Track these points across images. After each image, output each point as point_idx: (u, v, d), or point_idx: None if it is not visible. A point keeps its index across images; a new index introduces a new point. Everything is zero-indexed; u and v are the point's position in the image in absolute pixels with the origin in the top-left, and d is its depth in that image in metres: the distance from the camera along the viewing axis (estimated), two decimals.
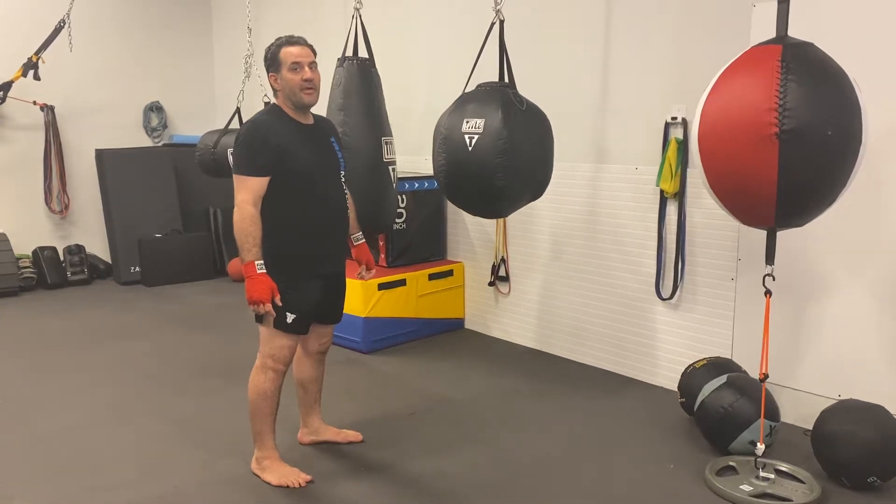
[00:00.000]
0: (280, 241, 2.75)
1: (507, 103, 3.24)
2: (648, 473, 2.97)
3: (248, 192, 2.69)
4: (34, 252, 6.22)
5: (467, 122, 3.24)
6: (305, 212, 2.79)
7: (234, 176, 2.72)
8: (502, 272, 4.68)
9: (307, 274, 2.83)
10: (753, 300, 3.39)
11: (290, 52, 2.78)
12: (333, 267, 2.95)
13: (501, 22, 3.46)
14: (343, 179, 2.94)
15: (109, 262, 6.58)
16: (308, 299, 2.83)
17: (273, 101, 2.91)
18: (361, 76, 3.83)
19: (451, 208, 4.98)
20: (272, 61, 2.81)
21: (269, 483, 2.86)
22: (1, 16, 6.12)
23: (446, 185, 3.43)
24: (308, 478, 2.88)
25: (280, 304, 2.72)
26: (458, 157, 3.27)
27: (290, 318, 2.78)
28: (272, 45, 2.83)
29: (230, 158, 4.64)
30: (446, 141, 3.31)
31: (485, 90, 3.36)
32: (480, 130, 3.19)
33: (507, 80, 3.50)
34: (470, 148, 3.20)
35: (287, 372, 2.90)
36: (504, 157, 3.16)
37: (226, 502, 2.78)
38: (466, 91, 3.43)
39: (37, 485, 2.90)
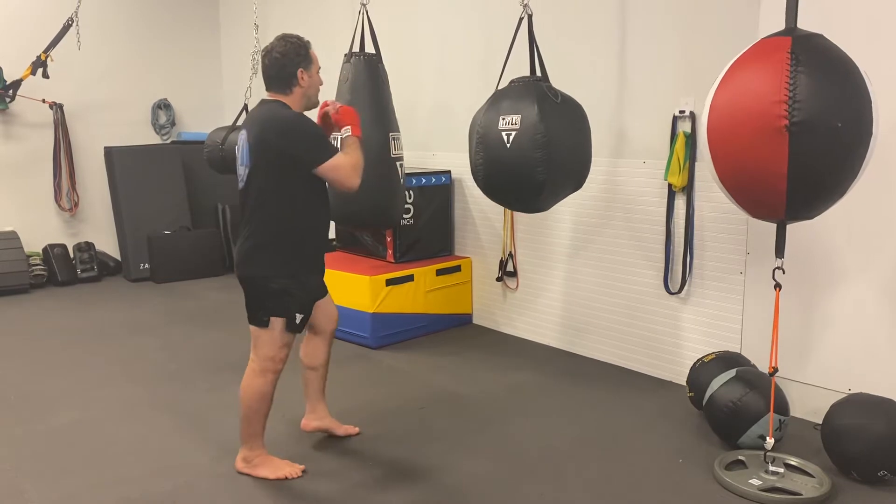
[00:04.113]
0: (302, 242, 2.77)
1: (542, 97, 3.25)
2: (657, 468, 2.97)
3: (339, 166, 2.67)
4: (44, 249, 6.26)
5: (503, 119, 3.25)
6: (320, 208, 2.83)
7: (324, 166, 2.65)
8: (510, 267, 4.67)
9: (315, 270, 2.87)
10: (762, 294, 3.38)
11: (316, 56, 2.81)
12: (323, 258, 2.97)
13: (530, 16, 3.46)
14: None
15: (119, 259, 6.62)
16: (313, 297, 2.87)
17: (271, 95, 2.79)
18: (368, 72, 3.83)
19: (459, 204, 4.98)
20: (305, 57, 2.76)
21: (265, 478, 2.86)
22: (10, 15, 6.15)
23: (486, 185, 3.43)
24: (302, 467, 2.91)
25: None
26: (496, 155, 3.27)
27: (298, 318, 2.80)
28: (300, 40, 2.77)
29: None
30: (483, 140, 3.31)
31: (518, 86, 3.37)
32: (517, 126, 3.19)
33: (538, 73, 3.50)
34: (508, 145, 3.21)
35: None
36: (543, 150, 3.17)
37: (236, 497, 2.79)
38: (499, 88, 3.43)
39: (48, 479, 2.92)
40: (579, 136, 3.39)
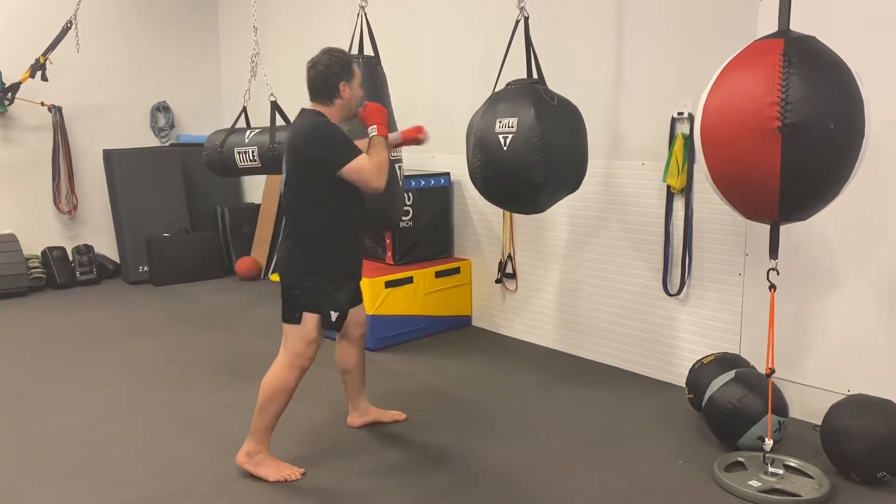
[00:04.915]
0: (332, 243, 2.88)
1: (539, 100, 3.26)
2: (657, 469, 2.97)
3: (361, 168, 2.76)
4: (43, 252, 6.26)
5: (500, 121, 3.26)
6: (352, 213, 2.93)
7: (346, 168, 2.75)
8: (509, 269, 4.68)
9: (348, 273, 3.00)
10: (761, 295, 3.37)
11: (358, 70, 2.95)
12: (361, 261, 3.11)
13: (526, 19, 3.47)
14: None
15: (118, 261, 6.62)
16: (347, 297, 2.98)
17: (312, 105, 2.91)
18: (367, 73, 3.83)
19: (458, 205, 4.99)
20: (348, 71, 2.89)
21: (265, 478, 2.88)
22: (8, 17, 6.15)
23: (484, 187, 3.44)
24: (301, 471, 2.94)
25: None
26: (494, 158, 3.29)
27: (333, 316, 2.91)
28: (344, 55, 2.91)
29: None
30: (481, 142, 3.33)
31: (514, 88, 3.38)
32: (514, 129, 3.21)
33: (535, 76, 3.51)
34: (505, 147, 3.23)
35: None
36: (540, 153, 3.19)
37: (236, 499, 2.79)
38: (496, 91, 3.43)
39: (48, 482, 2.92)
40: (576, 138, 3.40)
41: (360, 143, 2.91)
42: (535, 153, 3.18)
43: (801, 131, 2.40)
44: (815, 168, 2.47)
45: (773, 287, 2.72)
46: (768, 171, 2.46)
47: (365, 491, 2.83)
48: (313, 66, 2.88)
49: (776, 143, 2.42)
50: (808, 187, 2.51)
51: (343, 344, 3.23)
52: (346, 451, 3.16)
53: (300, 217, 2.86)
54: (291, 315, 2.87)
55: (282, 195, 2.96)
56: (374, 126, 2.90)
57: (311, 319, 2.86)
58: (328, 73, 2.85)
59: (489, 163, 3.32)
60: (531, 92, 3.30)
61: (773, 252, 2.72)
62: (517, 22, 3.49)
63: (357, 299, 3.14)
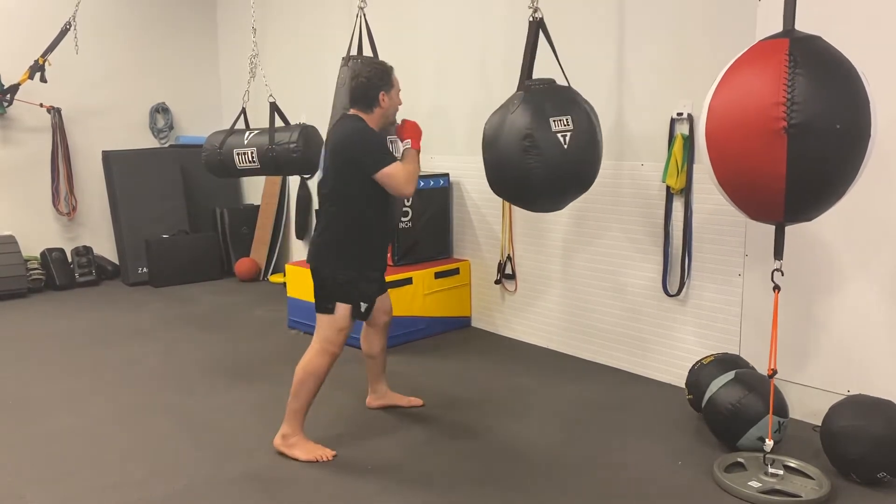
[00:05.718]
0: (366, 238, 3.09)
1: (578, 97, 3.30)
2: (656, 470, 2.97)
3: (394, 174, 2.95)
4: (42, 254, 6.25)
5: (555, 121, 3.20)
6: (386, 211, 3.13)
7: (381, 172, 2.94)
8: (509, 270, 4.68)
9: (377, 266, 3.22)
10: (761, 296, 3.38)
11: (397, 79, 3.13)
12: (386, 258, 3.39)
13: (540, 19, 3.45)
14: None
15: (117, 263, 6.62)
16: (376, 288, 3.21)
17: (353, 111, 3.08)
18: None
19: (457, 206, 4.99)
20: (388, 82, 3.07)
21: (297, 459, 3.03)
22: (7, 18, 6.15)
23: (540, 190, 3.29)
24: (333, 452, 3.08)
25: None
26: (555, 159, 3.20)
27: (363, 307, 3.13)
28: (384, 66, 3.10)
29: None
30: (536, 143, 3.17)
31: (547, 87, 3.32)
32: (571, 127, 3.20)
33: (535, 76, 3.48)
34: (566, 146, 3.20)
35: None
36: (592, 149, 3.26)
37: (234, 501, 2.79)
38: (519, 91, 3.34)
39: (47, 484, 2.92)
40: (601, 134, 3.41)
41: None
42: (591, 149, 3.24)
43: (806, 131, 2.40)
44: (821, 169, 2.46)
45: (777, 288, 2.71)
46: (774, 171, 2.45)
47: (360, 493, 2.83)
48: (356, 77, 3.07)
49: (782, 144, 2.42)
50: (814, 188, 2.51)
51: (369, 331, 3.43)
52: (343, 451, 3.14)
53: (335, 212, 3.05)
54: (325, 305, 3.05)
55: (318, 190, 3.16)
56: (409, 140, 3.12)
57: (342, 309, 3.04)
58: (369, 84, 3.03)
59: (550, 164, 3.19)
60: (568, 90, 3.32)
61: (778, 253, 2.71)
62: (530, 22, 3.47)
63: (383, 288, 3.34)
